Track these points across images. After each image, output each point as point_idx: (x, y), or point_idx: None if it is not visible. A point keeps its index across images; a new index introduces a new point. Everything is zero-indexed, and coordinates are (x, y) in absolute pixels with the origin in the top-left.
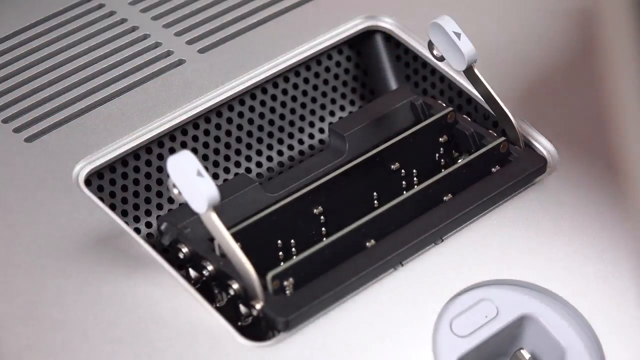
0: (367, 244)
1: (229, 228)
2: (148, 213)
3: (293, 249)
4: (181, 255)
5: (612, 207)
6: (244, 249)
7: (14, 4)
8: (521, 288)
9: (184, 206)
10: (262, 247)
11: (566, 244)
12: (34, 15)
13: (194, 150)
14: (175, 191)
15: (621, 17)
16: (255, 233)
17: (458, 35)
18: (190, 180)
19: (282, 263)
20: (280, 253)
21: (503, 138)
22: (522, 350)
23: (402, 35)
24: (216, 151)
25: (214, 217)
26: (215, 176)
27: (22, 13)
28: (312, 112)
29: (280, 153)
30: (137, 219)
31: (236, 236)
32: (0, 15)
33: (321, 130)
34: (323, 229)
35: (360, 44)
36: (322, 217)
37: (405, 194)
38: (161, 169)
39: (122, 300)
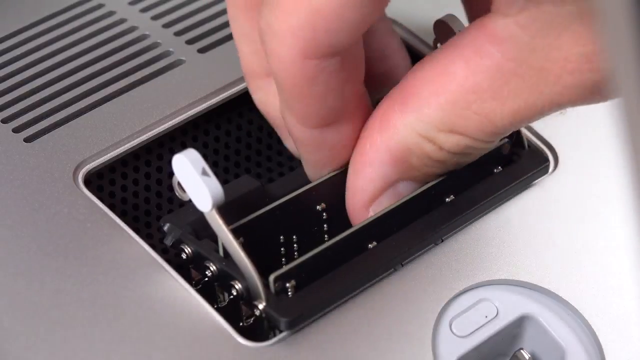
0: (369, 245)
1: (233, 223)
2: (147, 213)
3: (295, 245)
4: (184, 256)
5: (612, 207)
6: (247, 243)
7: (13, 4)
8: (521, 288)
9: (187, 206)
10: (265, 242)
11: (566, 244)
12: (34, 15)
13: None
14: (180, 189)
15: (621, 16)
16: (259, 227)
17: None
18: (196, 178)
19: (283, 259)
20: (282, 249)
21: (506, 139)
22: (522, 351)
23: (403, 35)
24: (216, 151)
25: (218, 216)
26: None
27: (21, 13)
28: None
29: (279, 153)
30: (136, 219)
31: (240, 230)
32: (0, 15)
33: None
34: (325, 225)
35: None
36: (324, 214)
37: (408, 196)
38: (161, 169)
39: (122, 300)
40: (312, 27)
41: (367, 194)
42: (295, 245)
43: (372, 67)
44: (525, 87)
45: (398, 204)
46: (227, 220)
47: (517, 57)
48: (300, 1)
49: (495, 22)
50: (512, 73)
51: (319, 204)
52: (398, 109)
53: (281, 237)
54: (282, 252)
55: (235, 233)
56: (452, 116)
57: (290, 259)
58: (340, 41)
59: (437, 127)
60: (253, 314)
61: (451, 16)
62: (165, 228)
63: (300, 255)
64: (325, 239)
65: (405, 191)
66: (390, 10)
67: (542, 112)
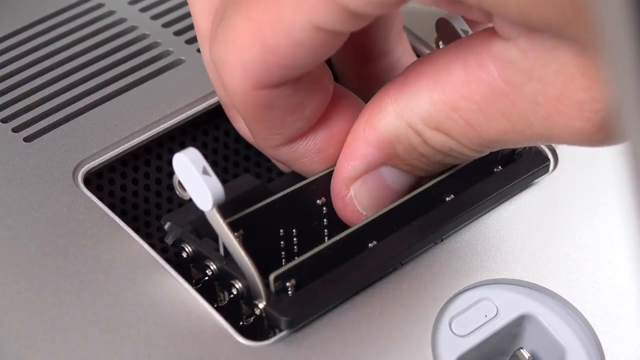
0: (370, 244)
1: (233, 215)
2: (147, 213)
3: (294, 239)
4: (184, 255)
5: (612, 207)
6: (247, 236)
7: (13, 3)
8: (521, 288)
9: (188, 205)
10: (265, 235)
11: (566, 244)
12: (33, 15)
13: None
14: (180, 188)
15: (621, 16)
16: (259, 220)
17: (466, 33)
18: (196, 177)
19: (283, 252)
20: (282, 242)
21: None
22: (522, 350)
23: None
24: (215, 151)
25: (219, 215)
26: None
27: (21, 13)
28: None
29: None
30: (136, 219)
31: (240, 223)
32: (0, 15)
33: None
34: (325, 220)
35: None
36: (324, 208)
37: (408, 195)
38: (160, 169)
39: (122, 300)
40: (263, 63)
41: (349, 172)
42: (295, 239)
43: (374, 63)
44: (515, 113)
45: (398, 203)
46: (227, 218)
47: (512, 80)
48: (253, 39)
49: (497, 42)
50: (503, 94)
51: (319, 198)
52: (392, 94)
53: (281, 231)
54: (282, 246)
55: (235, 226)
56: (440, 114)
57: (290, 252)
58: (293, 74)
59: (425, 121)
60: (253, 313)
61: (454, 15)
62: (166, 227)
63: (299, 249)
64: (325, 233)
65: (389, 178)
66: None
67: (530, 140)
